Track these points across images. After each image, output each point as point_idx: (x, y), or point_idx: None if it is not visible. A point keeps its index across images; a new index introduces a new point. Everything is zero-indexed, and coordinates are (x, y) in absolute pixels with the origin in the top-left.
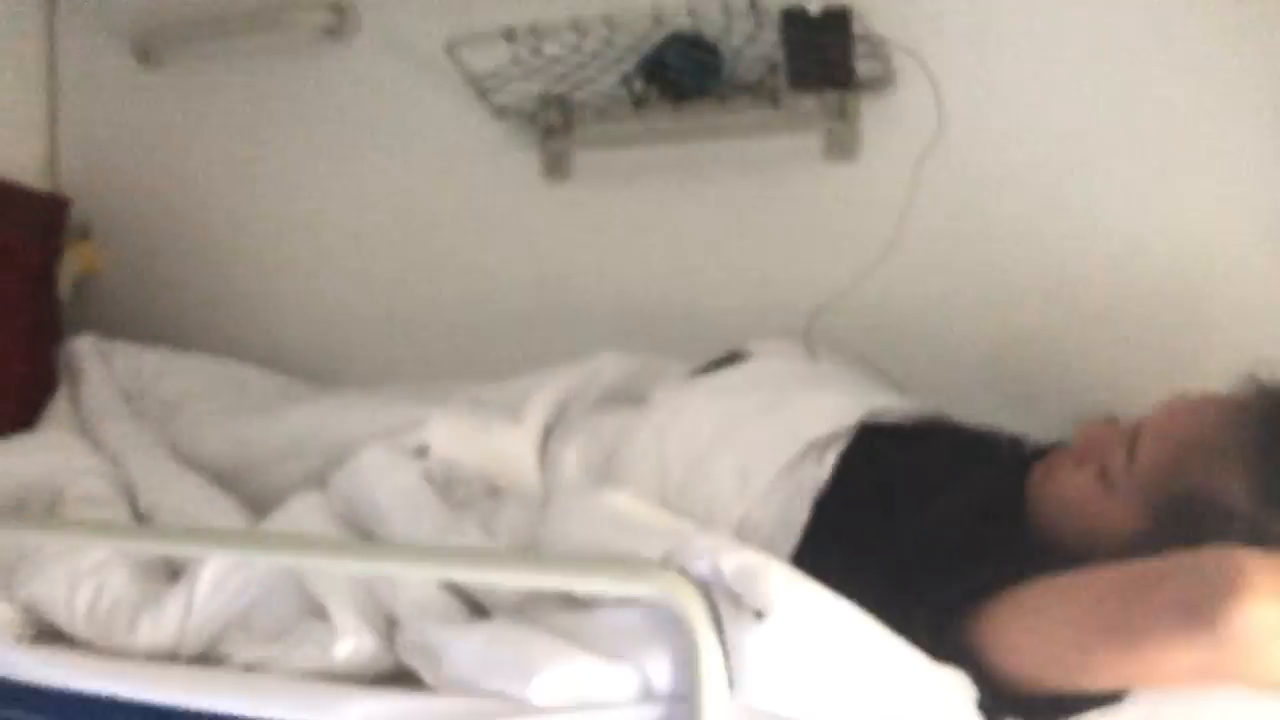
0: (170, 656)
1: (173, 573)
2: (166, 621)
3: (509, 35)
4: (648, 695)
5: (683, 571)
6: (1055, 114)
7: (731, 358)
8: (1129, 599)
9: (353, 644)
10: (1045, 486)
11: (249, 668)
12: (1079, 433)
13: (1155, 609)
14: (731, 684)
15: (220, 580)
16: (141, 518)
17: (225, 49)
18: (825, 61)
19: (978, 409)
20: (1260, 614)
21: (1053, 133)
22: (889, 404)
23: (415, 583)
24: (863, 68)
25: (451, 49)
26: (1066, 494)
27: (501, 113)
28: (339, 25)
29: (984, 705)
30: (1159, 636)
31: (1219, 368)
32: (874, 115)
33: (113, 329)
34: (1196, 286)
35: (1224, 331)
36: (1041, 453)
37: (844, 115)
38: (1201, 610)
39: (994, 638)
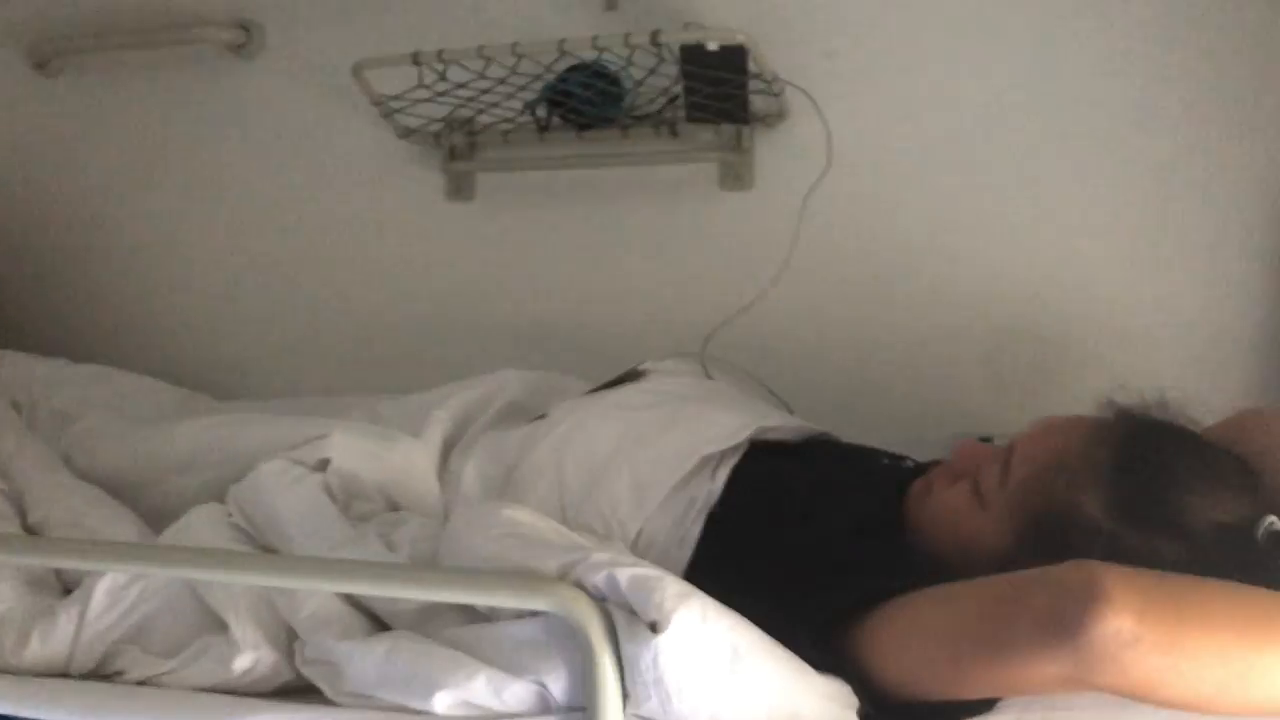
0: (61, 673)
1: (65, 588)
2: (58, 637)
3: (416, 59)
4: (545, 707)
5: (579, 585)
6: (936, 151)
7: (630, 376)
8: (995, 611)
9: (252, 658)
10: (922, 502)
11: (144, 684)
12: (955, 451)
13: (1019, 621)
14: (627, 695)
15: (115, 595)
16: (31, 531)
17: (128, 61)
18: (722, 96)
19: (860, 428)
20: (1116, 624)
21: (933, 168)
22: (778, 422)
23: (315, 596)
24: (757, 103)
25: (358, 71)
26: (942, 509)
27: (407, 134)
28: (245, 42)
29: (865, 714)
30: (1023, 647)
31: (1088, 391)
32: (767, 147)
33: (5, 339)
34: (1066, 316)
35: (1091, 357)
36: (920, 470)
37: (739, 147)
38: (1062, 621)
39: (872, 649)
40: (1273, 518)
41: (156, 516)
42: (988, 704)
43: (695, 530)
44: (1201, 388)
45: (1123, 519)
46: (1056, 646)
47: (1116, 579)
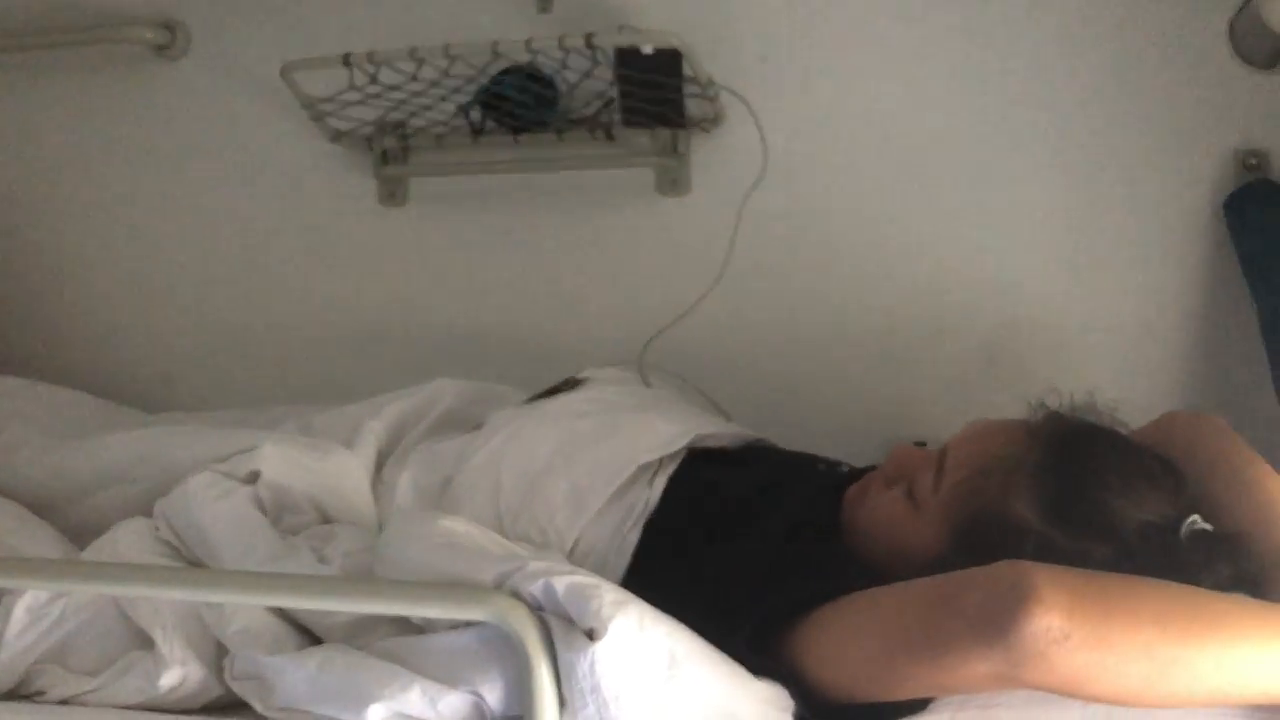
0: None
1: None
2: None
3: (346, 60)
4: (481, 717)
5: (516, 594)
6: (871, 155)
7: (567, 384)
8: (927, 612)
9: (179, 674)
10: (858, 506)
11: (66, 703)
12: (890, 456)
13: (951, 621)
14: (564, 704)
15: (36, 613)
16: None
17: (46, 61)
18: (657, 100)
19: (797, 434)
20: (1046, 621)
21: (868, 173)
22: (716, 429)
23: (245, 610)
24: (693, 107)
25: (286, 73)
26: (877, 513)
27: (337, 137)
28: (169, 43)
29: (801, 717)
30: (956, 646)
31: (1020, 393)
32: (703, 152)
33: None
34: (999, 319)
35: (1023, 360)
36: (856, 475)
37: (675, 152)
38: (993, 620)
39: (807, 652)
40: (1196, 517)
41: (80, 533)
42: (921, 704)
43: (633, 538)
44: (1129, 390)
45: (1052, 520)
46: (988, 645)
47: (1046, 578)
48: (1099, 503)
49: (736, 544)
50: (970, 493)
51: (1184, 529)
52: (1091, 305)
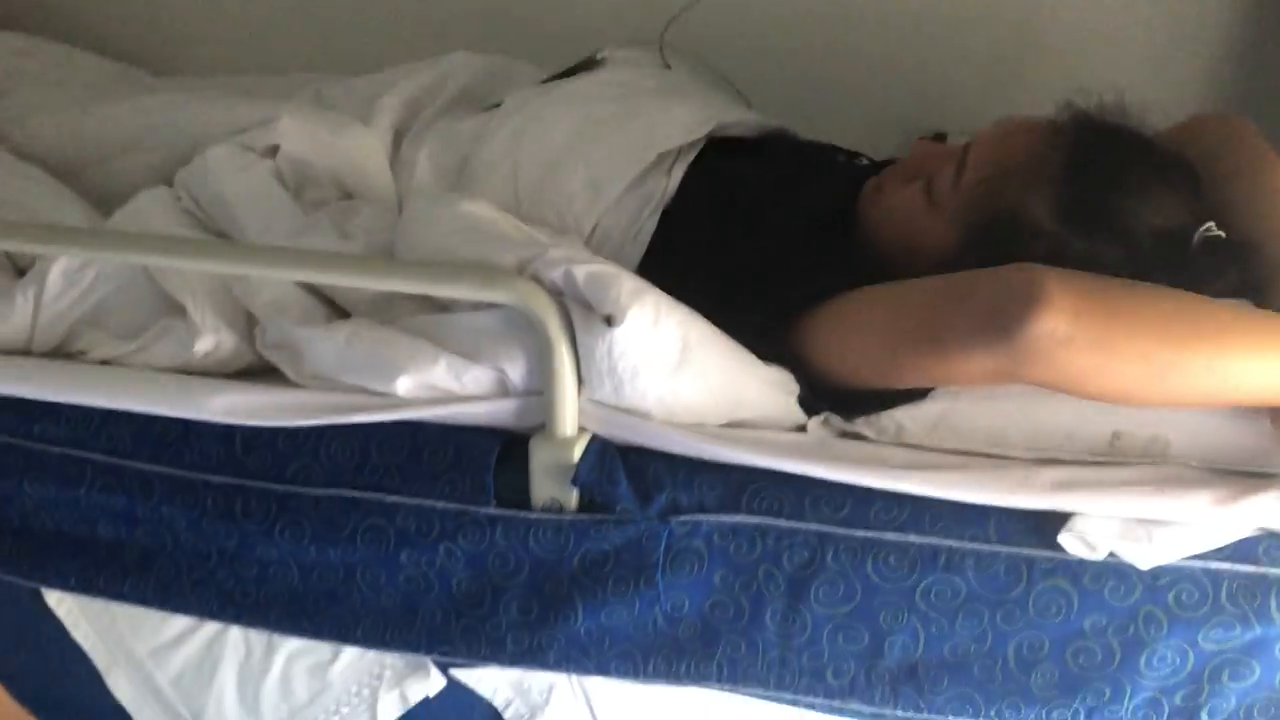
0: (23, 352)
1: (16, 269)
2: (16, 317)
3: None
4: (504, 391)
5: (537, 279)
6: None
7: (586, 65)
8: (936, 308)
9: (213, 340)
10: (875, 201)
11: (106, 364)
12: (912, 151)
13: (958, 316)
14: (582, 382)
15: (71, 277)
16: None
17: None
18: None
19: (818, 125)
20: (1052, 324)
21: None
22: (736, 117)
23: (272, 282)
24: None
25: None
26: (894, 208)
27: None
28: None
29: (804, 400)
30: (961, 341)
31: (1048, 92)
32: None
33: None
34: (1031, 8)
35: (1053, 56)
36: (876, 168)
37: None
38: (1001, 319)
39: (815, 340)
40: (1210, 224)
41: (101, 198)
42: (921, 393)
43: (650, 226)
44: (1160, 92)
45: (1067, 223)
46: (993, 343)
47: (1056, 281)
48: (1115, 206)
49: (752, 235)
50: (989, 192)
51: (1197, 236)
52: (1128, 1)
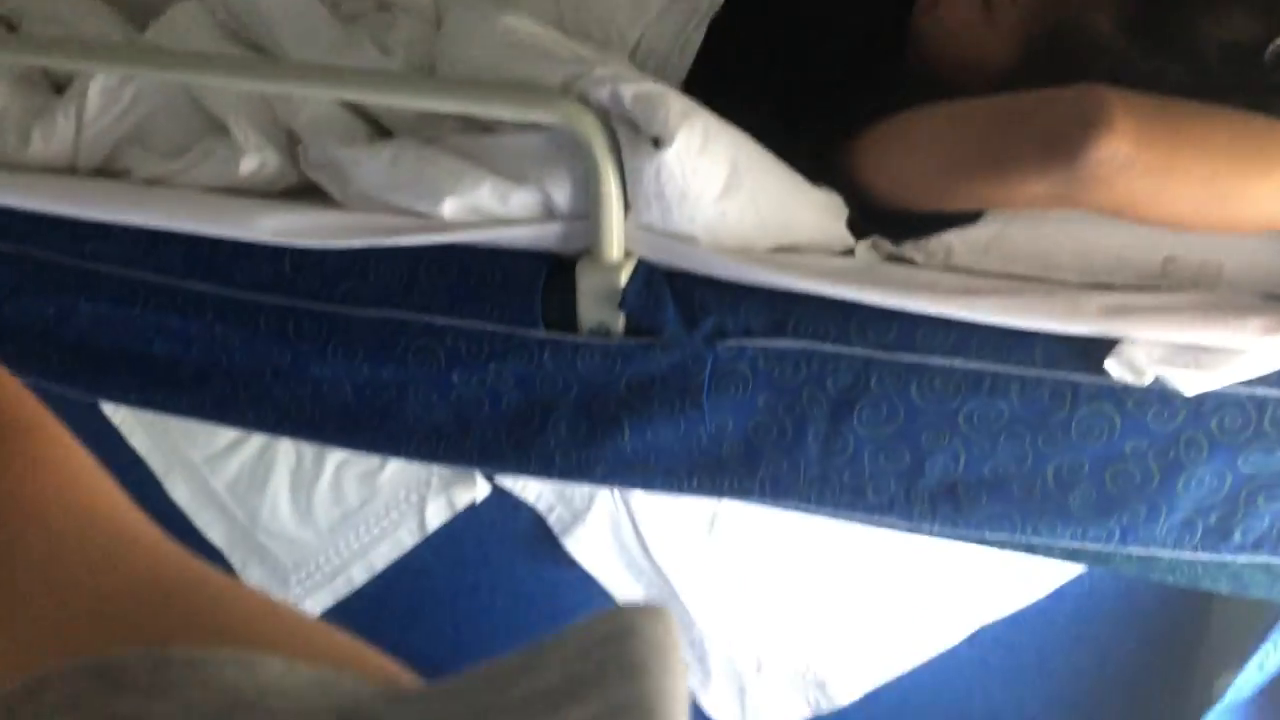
0: (68, 170)
1: (54, 86)
2: (58, 134)
3: None
4: (549, 214)
5: (583, 99)
6: None
7: None
8: (994, 129)
9: (258, 160)
10: (930, 15)
11: (151, 182)
12: None
13: (1018, 139)
14: (628, 206)
15: (110, 95)
16: (7, 24)
17: None
18: None
19: None
20: (1114, 149)
21: None
22: None
23: (313, 100)
24: None
25: None
26: (950, 23)
27: None
28: None
29: (853, 223)
30: (1021, 163)
31: None
32: None
33: None
34: None
35: None
36: None
37: None
38: (1062, 143)
39: (867, 161)
40: None
41: (130, 9)
42: (972, 216)
43: (697, 38)
44: None
45: (1131, 37)
46: (1054, 166)
47: (1119, 104)
48: (1182, 20)
49: (803, 51)
50: (1050, 4)
51: (1270, 50)
52: None
